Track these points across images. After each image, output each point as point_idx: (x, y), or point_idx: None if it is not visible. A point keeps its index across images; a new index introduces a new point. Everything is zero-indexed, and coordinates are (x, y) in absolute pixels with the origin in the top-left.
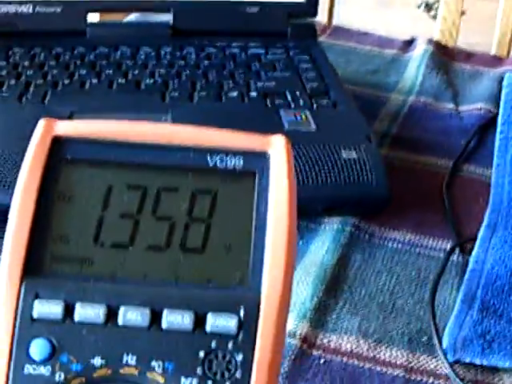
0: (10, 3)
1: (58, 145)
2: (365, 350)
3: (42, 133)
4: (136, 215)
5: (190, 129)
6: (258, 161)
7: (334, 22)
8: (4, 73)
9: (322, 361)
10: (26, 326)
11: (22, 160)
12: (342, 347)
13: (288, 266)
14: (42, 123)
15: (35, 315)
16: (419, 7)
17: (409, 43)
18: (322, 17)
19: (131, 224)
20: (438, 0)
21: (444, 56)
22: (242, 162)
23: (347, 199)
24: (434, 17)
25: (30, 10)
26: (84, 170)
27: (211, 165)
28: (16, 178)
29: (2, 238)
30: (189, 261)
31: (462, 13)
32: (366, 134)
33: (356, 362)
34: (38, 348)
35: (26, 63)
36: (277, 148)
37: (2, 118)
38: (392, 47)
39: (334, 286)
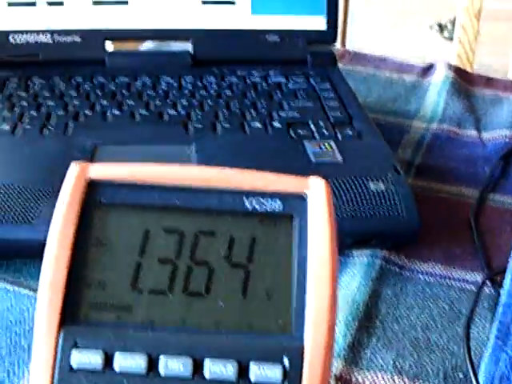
0: (29, 33)
1: (93, 189)
2: None
3: (76, 177)
4: (174, 260)
5: (227, 171)
6: (297, 203)
7: (347, 44)
8: (25, 104)
9: None
10: (65, 377)
11: (45, 194)
12: None
13: (332, 312)
14: (74, 167)
15: (74, 365)
16: (432, 28)
17: (428, 68)
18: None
19: (170, 269)
20: (452, 22)
21: (464, 81)
22: (280, 205)
23: (377, 232)
24: (447, 38)
25: (50, 40)
26: (120, 214)
27: (249, 208)
28: (39, 213)
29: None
30: (229, 307)
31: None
32: (393, 165)
33: None
34: None
35: (46, 94)
36: (315, 190)
37: (25, 150)
38: (411, 73)
39: (367, 322)
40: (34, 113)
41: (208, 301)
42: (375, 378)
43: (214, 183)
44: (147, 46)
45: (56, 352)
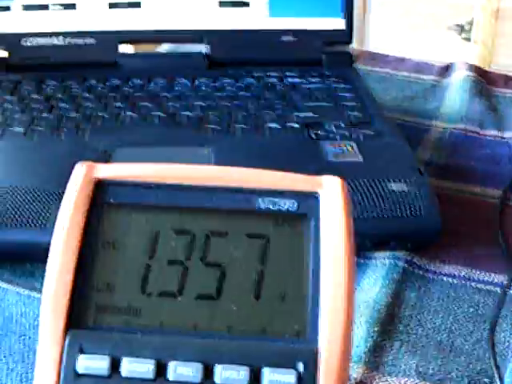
0: (41, 36)
1: (101, 189)
2: None
3: (83, 177)
4: (184, 262)
5: (239, 170)
6: (311, 203)
7: (366, 45)
8: (37, 106)
9: None
10: (71, 382)
11: (58, 197)
12: None
13: (348, 314)
14: (81, 167)
15: (80, 370)
16: (451, 29)
17: (447, 68)
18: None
19: (180, 271)
20: (471, 22)
21: (484, 81)
22: (294, 204)
23: (398, 233)
24: (466, 39)
25: (62, 42)
26: (128, 215)
27: (262, 207)
28: (52, 216)
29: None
30: (242, 310)
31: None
32: (416, 165)
33: None
34: None
35: (59, 96)
36: (330, 189)
37: (37, 152)
38: (430, 73)
39: (389, 326)
40: (46, 115)
41: (219, 304)
42: (398, 383)
43: (226, 182)
44: (162, 48)
45: (61, 357)
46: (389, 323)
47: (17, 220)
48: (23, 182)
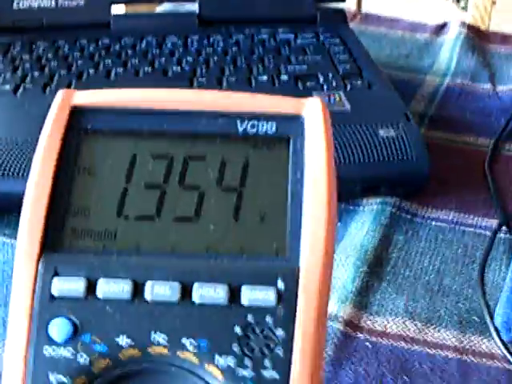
0: None
1: (78, 115)
2: (412, 331)
3: (61, 103)
4: (162, 185)
5: (218, 93)
6: (293, 125)
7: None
8: (28, 65)
9: (367, 344)
10: (45, 305)
11: None
12: (388, 329)
13: (329, 234)
14: (60, 94)
15: (55, 293)
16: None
17: (441, 27)
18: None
19: (157, 195)
20: None
21: (478, 38)
22: (274, 127)
23: (387, 178)
24: (463, 8)
25: (54, 4)
26: (105, 140)
27: (241, 131)
28: None
29: None
30: (220, 231)
31: (493, 2)
32: (404, 112)
33: (404, 344)
34: (59, 328)
35: (50, 55)
36: (312, 111)
37: (26, 108)
38: (424, 31)
39: (377, 267)
40: (36, 73)
41: (198, 226)
42: (386, 322)
43: (205, 106)
44: (155, 9)
45: (36, 280)
46: (376, 265)
47: (5, 172)
48: (9, 136)
